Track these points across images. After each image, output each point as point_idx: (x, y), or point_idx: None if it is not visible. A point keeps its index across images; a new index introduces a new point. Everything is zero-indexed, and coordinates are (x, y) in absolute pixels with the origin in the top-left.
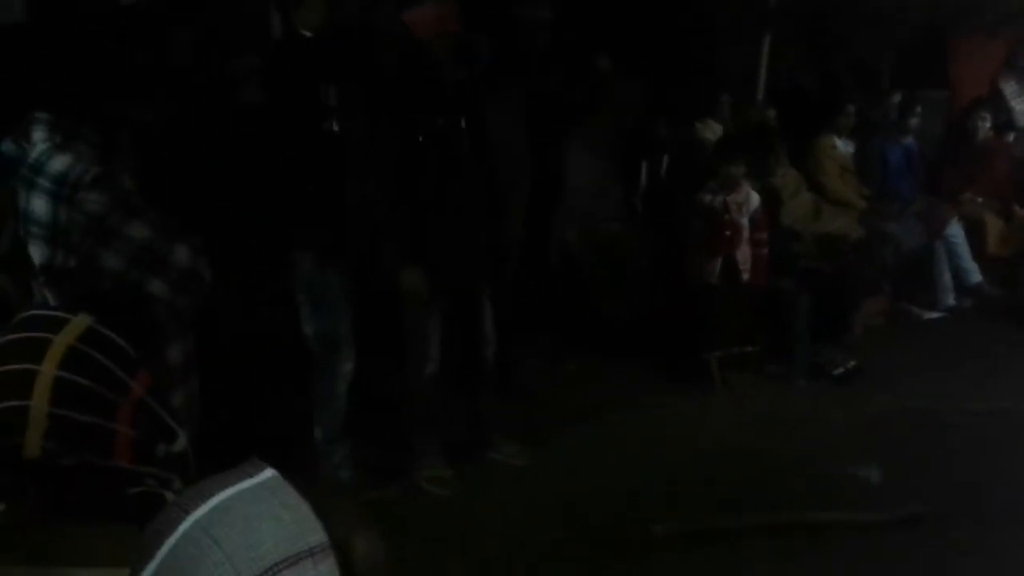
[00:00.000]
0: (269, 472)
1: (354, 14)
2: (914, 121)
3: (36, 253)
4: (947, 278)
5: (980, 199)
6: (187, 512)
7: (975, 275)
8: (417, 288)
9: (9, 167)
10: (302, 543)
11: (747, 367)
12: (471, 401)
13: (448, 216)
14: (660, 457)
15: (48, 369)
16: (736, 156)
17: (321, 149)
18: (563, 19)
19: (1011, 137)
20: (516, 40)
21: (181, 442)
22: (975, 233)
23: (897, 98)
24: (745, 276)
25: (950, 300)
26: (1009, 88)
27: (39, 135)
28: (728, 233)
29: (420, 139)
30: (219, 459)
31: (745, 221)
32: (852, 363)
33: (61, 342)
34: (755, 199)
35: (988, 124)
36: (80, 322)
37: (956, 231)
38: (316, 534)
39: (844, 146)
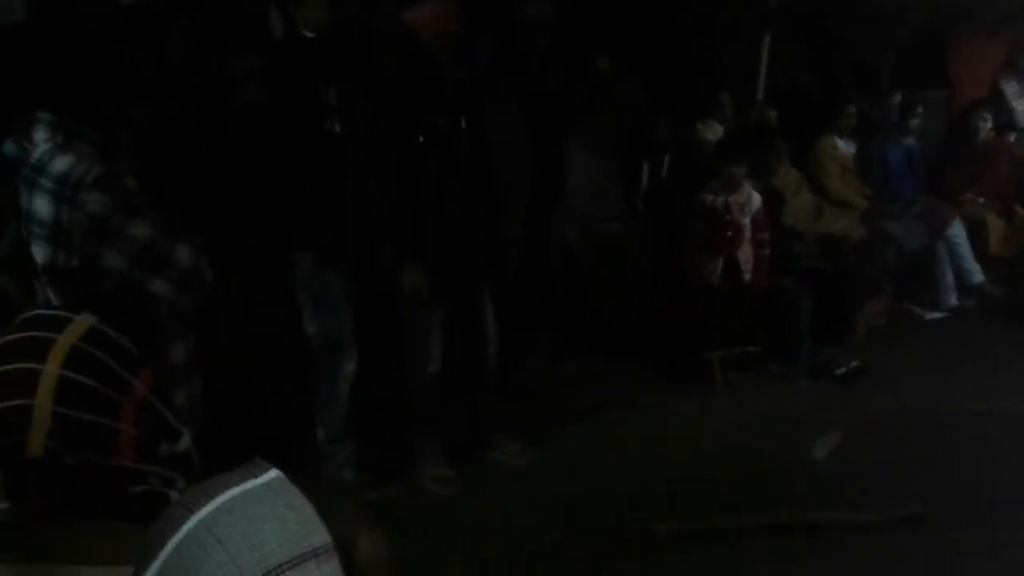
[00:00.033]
0: (273, 472)
1: (355, 14)
2: (915, 121)
3: (38, 253)
4: (949, 278)
5: (982, 199)
6: (191, 512)
7: (977, 275)
8: (417, 288)
9: (11, 167)
10: (306, 544)
11: (749, 367)
12: (472, 401)
13: (448, 216)
14: (660, 457)
15: (52, 368)
16: (738, 156)
17: (322, 149)
18: (563, 19)
19: (1012, 137)
20: (516, 40)
21: (184, 441)
22: (977, 233)
23: (898, 98)
24: (747, 276)
25: (952, 300)
26: (1010, 88)
27: (41, 135)
28: (730, 233)
29: (420, 139)
30: (222, 459)
31: (747, 221)
32: (855, 363)
33: (64, 341)
34: (757, 199)
35: (989, 124)
36: (83, 321)
37: (958, 231)
38: (320, 535)
39: (845, 146)
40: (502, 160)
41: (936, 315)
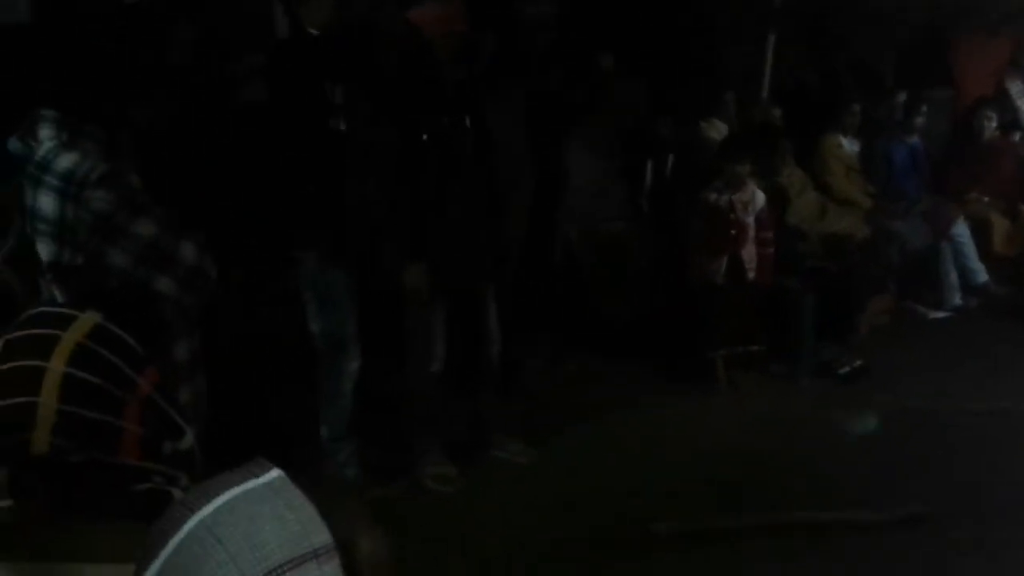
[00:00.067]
0: (275, 472)
1: (360, 13)
2: (919, 120)
3: (43, 250)
4: (953, 278)
5: (986, 198)
6: (192, 511)
7: (981, 275)
8: (419, 287)
9: (16, 165)
10: (307, 544)
11: (752, 366)
12: (473, 400)
13: (450, 215)
14: (661, 457)
15: (56, 366)
16: (741, 155)
17: (325, 147)
18: (566, 18)
19: (1017, 136)
20: (517, 39)
21: (188, 439)
22: (981, 233)
23: (902, 97)
24: (750, 275)
25: (956, 300)
26: (1015, 87)
27: (46, 133)
28: (733, 232)
29: (423, 138)
30: (225, 457)
31: (751, 220)
32: (858, 363)
33: (69, 339)
34: (761, 198)
35: (994, 123)
36: (88, 319)
37: (962, 231)
38: (321, 535)
39: (849, 145)
40: (504, 160)
41: (940, 314)
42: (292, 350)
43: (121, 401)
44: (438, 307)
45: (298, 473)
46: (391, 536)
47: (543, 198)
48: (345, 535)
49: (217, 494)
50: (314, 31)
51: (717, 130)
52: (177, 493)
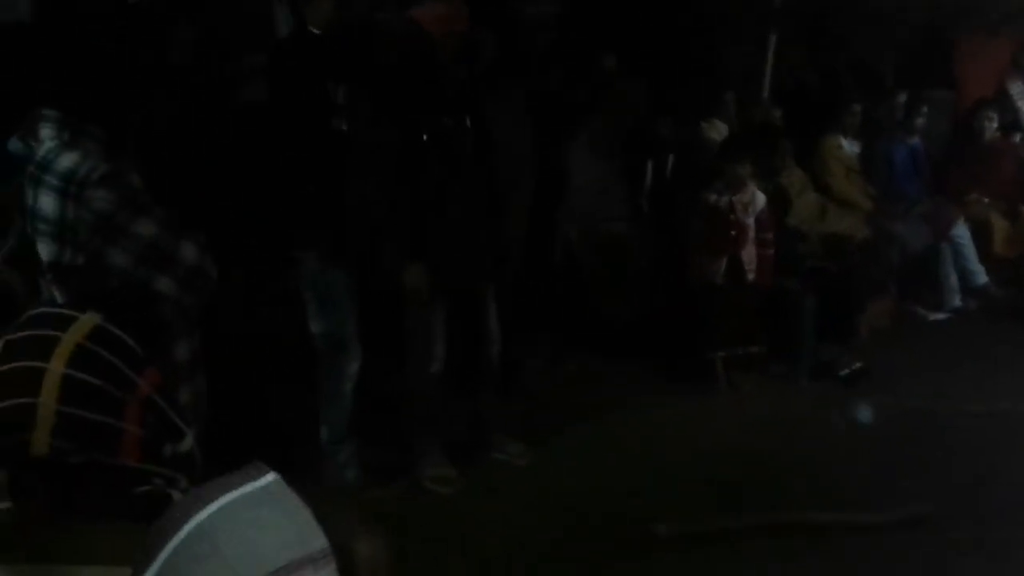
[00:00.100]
0: (271, 476)
1: (363, 12)
2: (920, 121)
3: (43, 250)
4: (953, 279)
5: (986, 200)
6: (188, 516)
7: (981, 276)
8: (420, 287)
9: (17, 165)
10: (303, 549)
11: (752, 367)
12: (473, 400)
13: (451, 215)
14: (661, 457)
15: (56, 367)
16: (742, 156)
17: (327, 147)
18: (566, 18)
19: (1018, 138)
20: (520, 38)
21: (188, 441)
22: (981, 234)
23: (903, 98)
24: (750, 276)
25: (956, 301)
26: (1015, 88)
27: (47, 132)
28: (733, 233)
29: (424, 138)
30: (225, 458)
31: (751, 221)
32: (858, 364)
33: (69, 340)
34: (761, 199)
35: (994, 124)
36: (88, 320)
37: (962, 232)
38: (318, 540)
39: (850, 146)
40: (504, 160)
41: (940, 316)
42: (292, 351)
43: (121, 402)
44: (438, 307)
45: (298, 474)
46: (391, 537)
47: (543, 198)
48: (342, 539)
49: (214, 498)
50: (316, 31)
51: (717, 130)
52: (177, 495)
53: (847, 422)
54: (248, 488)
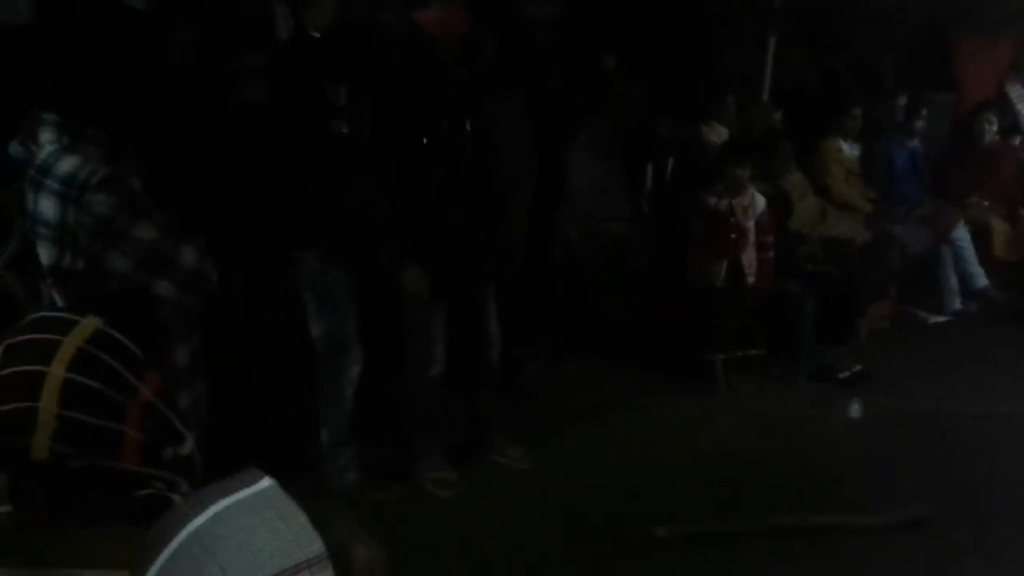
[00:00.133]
0: (267, 482)
1: (363, 14)
2: (920, 124)
3: (44, 254)
4: (953, 282)
5: (986, 203)
6: (183, 523)
7: (981, 279)
8: (420, 288)
9: (17, 168)
10: (299, 554)
11: (751, 369)
12: (473, 402)
13: (451, 216)
14: (661, 458)
15: (57, 371)
16: (742, 159)
17: (326, 149)
18: (567, 18)
19: (1018, 140)
20: (520, 39)
21: (188, 445)
22: (981, 237)
23: (903, 101)
24: (750, 279)
25: (956, 304)
26: (1015, 91)
27: (47, 136)
28: (733, 236)
29: (425, 139)
30: (225, 461)
31: (750, 224)
32: (858, 367)
33: (70, 344)
34: (761, 202)
35: (994, 127)
36: (89, 324)
37: (962, 235)
38: (314, 544)
39: (850, 149)
40: (504, 160)
41: (940, 318)
42: (292, 352)
43: (122, 406)
44: (438, 308)
45: (298, 476)
46: (390, 539)
47: (543, 199)
48: (339, 543)
49: (208, 505)
50: (317, 33)
51: (717, 133)
52: (177, 499)
53: (846, 424)
54: (243, 494)
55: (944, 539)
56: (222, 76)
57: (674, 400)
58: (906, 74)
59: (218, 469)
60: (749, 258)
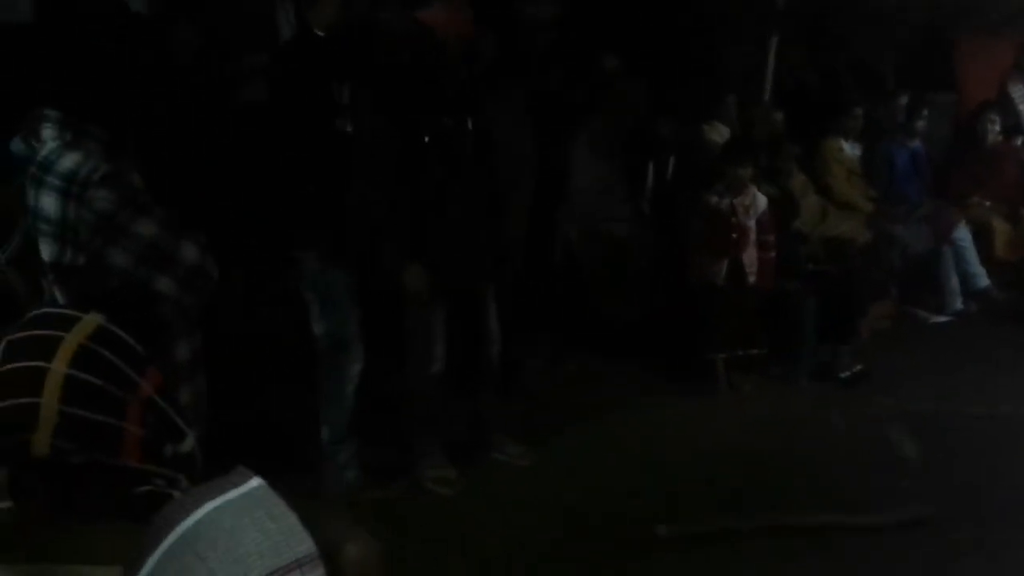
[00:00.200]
0: (255, 482)
1: (366, 14)
2: (921, 124)
3: (45, 251)
4: (954, 282)
5: (988, 203)
6: (173, 526)
7: (982, 279)
8: (420, 287)
9: (18, 165)
10: (289, 554)
11: (752, 369)
12: (473, 401)
13: (451, 215)
14: (661, 458)
15: (59, 367)
16: (743, 158)
17: (327, 148)
18: (567, 18)
19: (1019, 141)
20: (520, 38)
21: (189, 442)
22: (982, 237)
23: (904, 101)
24: (751, 279)
25: (957, 304)
26: (1017, 91)
27: (48, 133)
28: (734, 236)
29: (425, 138)
30: (226, 459)
31: (752, 224)
32: (859, 367)
33: (72, 340)
34: (762, 202)
35: (996, 127)
36: (91, 320)
37: (963, 235)
38: (304, 544)
39: (851, 149)
40: (505, 160)
41: (941, 319)
42: (292, 351)
43: (123, 402)
44: (438, 307)
45: (298, 475)
46: (390, 537)
47: (543, 198)
48: (330, 542)
49: (197, 506)
50: (321, 32)
51: (718, 132)
52: (178, 495)
53: (847, 424)
54: (232, 495)
55: (944, 539)
56: (223, 75)
57: (674, 400)
58: (907, 74)
59: (219, 467)
60: (750, 257)
